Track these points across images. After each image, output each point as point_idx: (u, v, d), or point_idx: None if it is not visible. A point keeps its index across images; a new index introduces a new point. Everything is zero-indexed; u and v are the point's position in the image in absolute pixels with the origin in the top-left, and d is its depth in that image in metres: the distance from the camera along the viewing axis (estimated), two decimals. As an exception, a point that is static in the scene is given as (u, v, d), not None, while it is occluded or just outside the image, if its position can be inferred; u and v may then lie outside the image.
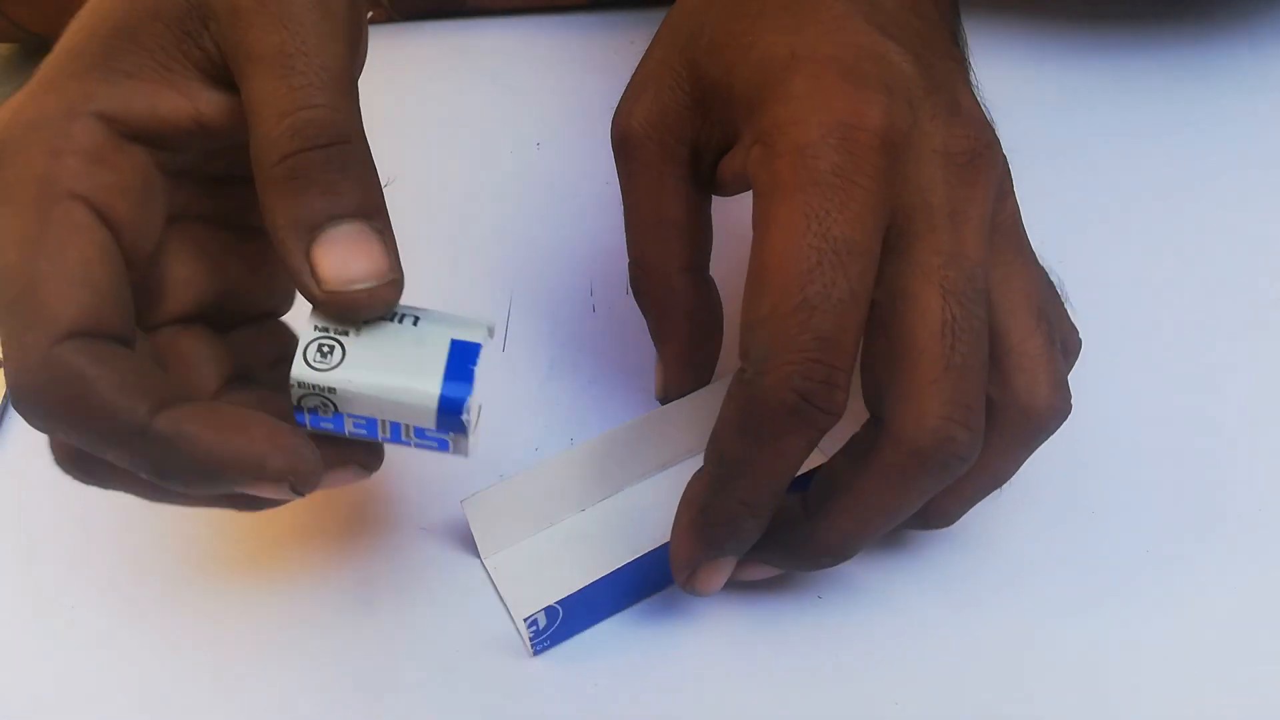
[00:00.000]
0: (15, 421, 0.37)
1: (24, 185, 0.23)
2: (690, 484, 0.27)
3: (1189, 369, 0.36)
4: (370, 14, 0.50)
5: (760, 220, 0.25)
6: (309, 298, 0.24)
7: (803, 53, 0.26)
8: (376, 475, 0.27)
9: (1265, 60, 0.48)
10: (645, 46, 0.31)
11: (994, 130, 0.27)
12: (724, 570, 0.28)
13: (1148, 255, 0.40)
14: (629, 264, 0.32)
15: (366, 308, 0.24)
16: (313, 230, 0.23)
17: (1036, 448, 0.27)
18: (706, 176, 0.30)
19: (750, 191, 0.27)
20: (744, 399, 0.24)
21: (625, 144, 0.30)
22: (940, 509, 0.28)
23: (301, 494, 0.24)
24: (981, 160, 0.26)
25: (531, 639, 0.29)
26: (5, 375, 0.23)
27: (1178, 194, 0.43)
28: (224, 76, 0.24)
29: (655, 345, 0.32)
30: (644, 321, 0.32)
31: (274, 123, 0.23)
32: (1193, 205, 0.42)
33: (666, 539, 0.28)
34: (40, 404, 0.22)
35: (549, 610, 0.28)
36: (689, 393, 0.32)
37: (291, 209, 0.23)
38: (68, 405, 0.22)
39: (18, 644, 0.31)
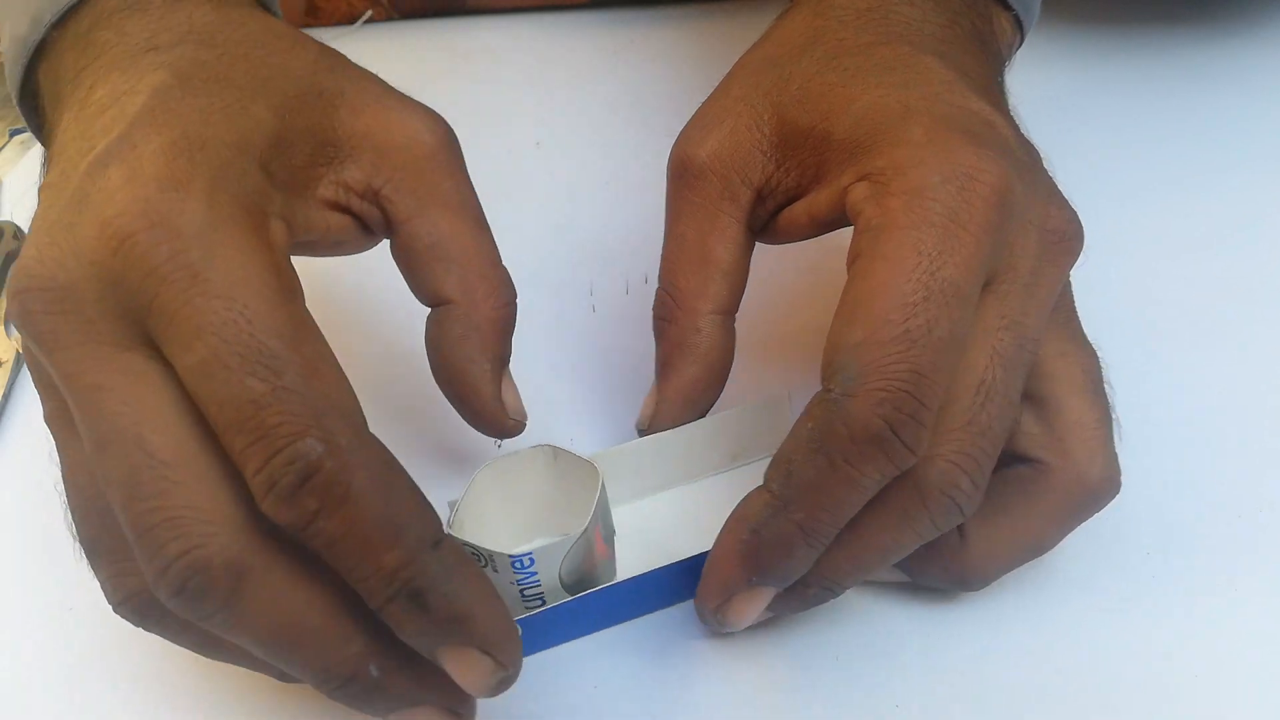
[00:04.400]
0: (15, 421, 0.37)
1: (264, 271, 0.22)
2: (743, 504, 0.26)
3: (1191, 369, 0.36)
4: (370, 13, 0.50)
5: (865, 253, 0.24)
6: (490, 417, 0.29)
7: (917, 106, 0.26)
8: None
9: (1273, 60, 0.48)
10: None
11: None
12: (760, 601, 0.26)
13: (1150, 254, 0.40)
14: (658, 290, 0.31)
15: (520, 431, 0.30)
16: (503, 368, 0.29)
17: (1085, 519, 0.28)
18: (762, 222, 0.30)
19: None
20: (825, 418, 0.23)
21: (686, 173, 0.30)
22: (980, 572, 0.28)
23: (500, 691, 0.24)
24: (1070, 244, 0.26)
25: None
26: (281, 456, 0.21)
27: (1179, 194, 0.43)
28: (340, 201, 0.28)
29: (658, 374, 0.31)
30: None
31: (489, 268, 0.28)
32: (1194, 205, 0.42)
33: (637, 573, 0.28)
34: (360, 487, 0.21)
35: None
36: (671, 428, 0.31)
37: (500, 348, 0.29)
38: (383, 494, 0.22)
39: (18, 644, 0.30)
